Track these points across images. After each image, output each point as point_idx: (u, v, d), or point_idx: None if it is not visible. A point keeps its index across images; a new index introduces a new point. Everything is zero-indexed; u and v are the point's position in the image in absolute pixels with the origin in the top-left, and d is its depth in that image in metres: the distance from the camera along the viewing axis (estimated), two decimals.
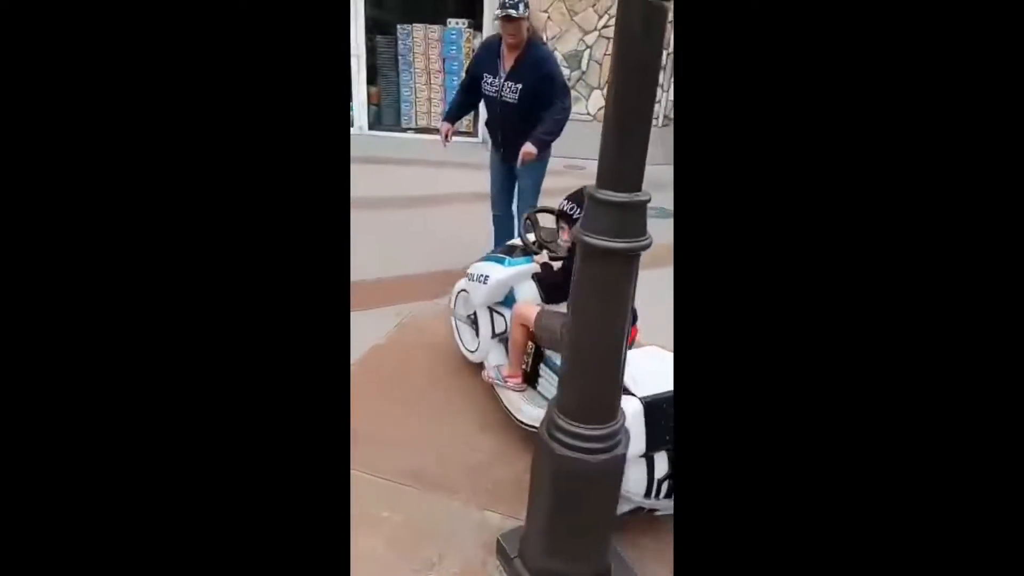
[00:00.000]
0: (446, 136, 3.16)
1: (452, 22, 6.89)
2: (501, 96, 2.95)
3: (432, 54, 7.07)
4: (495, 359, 2.40)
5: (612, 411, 1.42)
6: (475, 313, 2.49)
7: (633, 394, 1.65)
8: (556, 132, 2.85)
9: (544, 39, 3.10)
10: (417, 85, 7.19)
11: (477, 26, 6.74)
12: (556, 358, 2.04)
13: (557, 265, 2.23)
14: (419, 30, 6.97)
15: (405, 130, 7.19)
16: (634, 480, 1.65)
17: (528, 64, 2.84)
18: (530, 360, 2.23)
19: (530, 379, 2.24)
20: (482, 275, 2.39)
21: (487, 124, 3.21)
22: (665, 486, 1.70)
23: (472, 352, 2.56)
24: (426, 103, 7.27)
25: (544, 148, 2.87)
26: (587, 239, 1.23)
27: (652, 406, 1.64)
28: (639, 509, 1.77)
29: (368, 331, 2.91)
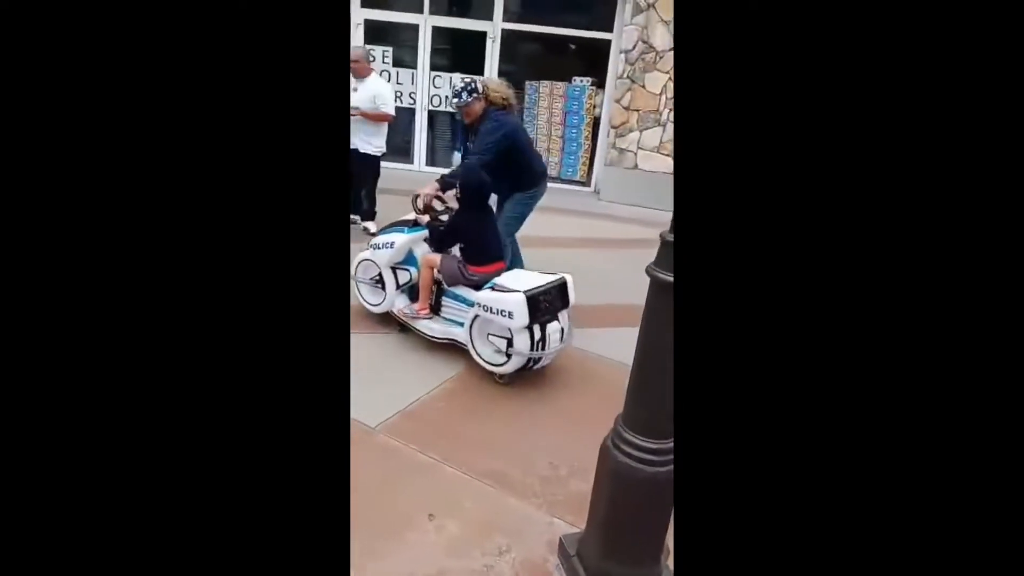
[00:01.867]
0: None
1: (577, 80, 7.37)
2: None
3: (555, 108, 7.57)
4: (400, 303, 3.34)
5: (671, 429, 1.60)
6: (379, 274, 3.34)
7: (516, 290, 2.81)
8: (455, 174, 3.32)
9: (508, 106, 3.60)
10: (538, 136, 7.69)
11: (600, 84, 7.16)
12: (455, 291, 3.15)
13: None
14: (546, 86, 7.51)
15: None
16: (522, 342, 2.81)
17: (480, 134, 3.50)
18: (434, 295, 3.22)
19: (435, 309, 3.24)
20: (388, 242, 3.27)
21: None
22: (538, 344, 2.83)
23: (376, 305, 3.42)
24: (544, 153, 7.74)
25: (439, 183, 3.36)
26: (658, 275, 1.46)
27: (530, 297, 2.78)
28: (527, 363, 2.88)
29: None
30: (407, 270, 3.35)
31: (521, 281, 2.91)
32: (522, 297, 2.75)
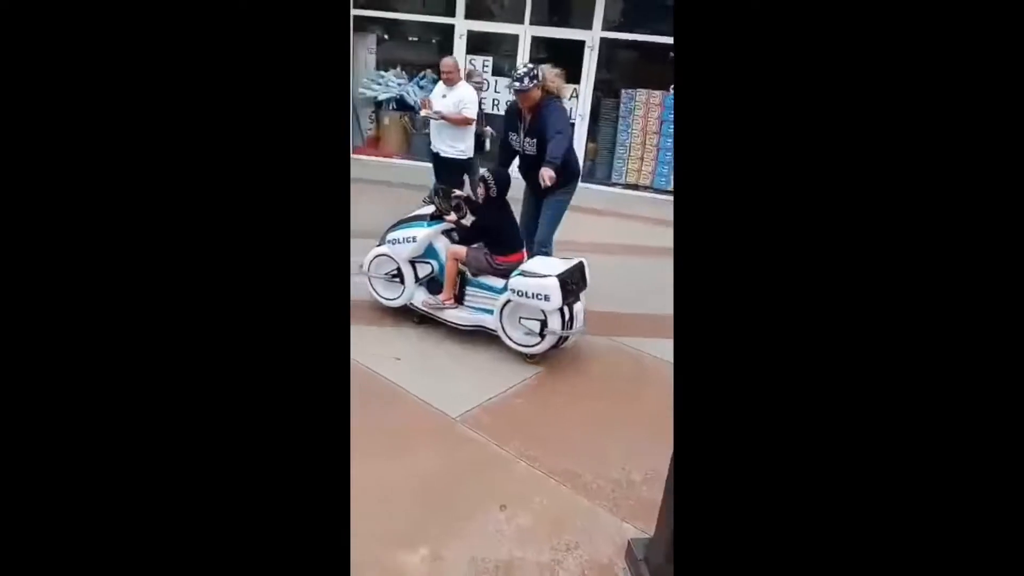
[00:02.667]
0: (543, 178, 3.85)
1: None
2: (523, 150, 3.59)
3: (651, 116, 7.49)
4: (421, 297, 3.47)
5: None
6: (397, 269, 3.45)
7: (549, 274, 3.03)
8: (558, 155, 3.33)
9: (563, 94, 3.58)
10: (632, 144, 7.64)
11: None
12: (479, 280, 3.35)
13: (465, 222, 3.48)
14: (642, 95, 7.45)
15: (614, 184, 7.67)
16: (555, 322, 3.07)
17: (540, 122, 3.47)
18: (457, 285, 3.39)
19: (458, 299, 3.41)
20: (409, 236, 3.40)
21: (519, 170, 3.76)
22: (568, 324, 3.10)
23: (393, 299, 3.52)
24: (638, 161, 7.67)
25: (553, 168, 3.30)
26: None
27: (561, 280, 3.01)
28: (559, 340, 3.14)
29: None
30: (428, 263, 3.46)
31: (548, 266, 3.13)
32: (556, 281, 2.99)
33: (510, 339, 3.19)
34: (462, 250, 3.37)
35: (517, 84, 3.43)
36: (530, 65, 3.55)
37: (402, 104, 7.72)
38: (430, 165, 5.00)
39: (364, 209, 4.37)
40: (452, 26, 7.29)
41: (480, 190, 3.34)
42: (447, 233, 3.50)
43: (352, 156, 6.08)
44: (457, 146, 4.87)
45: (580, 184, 3.81)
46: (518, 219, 3.79)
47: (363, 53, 7.72)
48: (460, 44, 7.26)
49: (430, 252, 3.45)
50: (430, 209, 3.51)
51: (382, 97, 7.70)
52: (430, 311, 3.42)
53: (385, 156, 7.74)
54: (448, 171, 4.96)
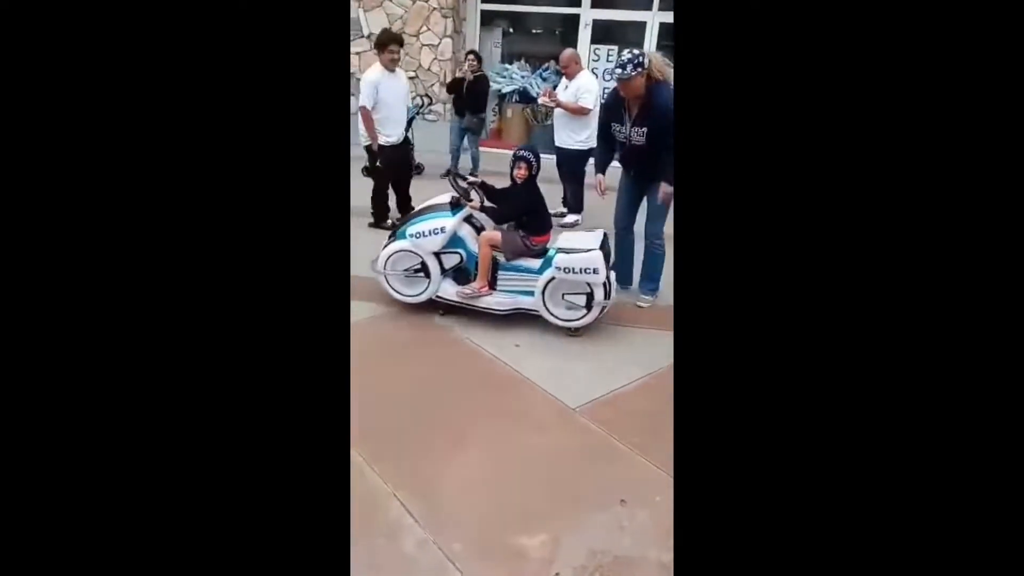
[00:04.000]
0: (600, 186, 3.67)
1: None
2: (630, 140, 3.41)
3: None
4: (448, 288, 3.40)
5: None
6: (421, 263, 3.35)
7: (591, 248, 3.15)
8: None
9: (667, 79, 3.26)
10: None
11: None
12: (514, 264, 3.34)
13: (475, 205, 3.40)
14: None
15: None
16: (600, 293, 3.19)
17: (652, 110, 3.29)
18: (490, 271, 3.36)
19: (491, 284, 3.37)
20: (436, 228, 3.29)
21: (620, 160, 3.63)
22: (609, 292, 3.24)
23: (417, 295, 3.42)
24: None
25: (671, 185, 3.26)
26: None
27: (604, 252, 3.19)
28: (600, 310, 3.24)
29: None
30: (456, 252, 3.37)
31: (584, 241, 3.25)
32: (599, 253, 3.12)
33: (554, 316, 3.25)
34: (496, 235, 3.32)
35: (619, 72, 3.22)
36: (635, 51, 3.32)
37: (525, 96, 7.80)
38: (552, 157, 5.02)
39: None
40: (575, 17, 7.23)
41: (520, 171, 3.27)
42: (468, 220, 3.43)
43: (480, 148, 6.25)
44: (576, 137, 4.85)
45: None
46: (614, 209, 3.73)
47: (489, 47, 7.89)
48: (585, 34, 7.20)
49: (455, 241, 3.36)
50: (445, 198, 3.42)
51: (506, 90, 7.83)
52: (464, 301, 3.35)
53: (507, 148, 7.87)
54: (569, 162, 4.95)
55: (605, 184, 3.69)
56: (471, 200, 3.35)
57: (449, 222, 3.30)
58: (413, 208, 4.05)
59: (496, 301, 3.34)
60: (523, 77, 7.83)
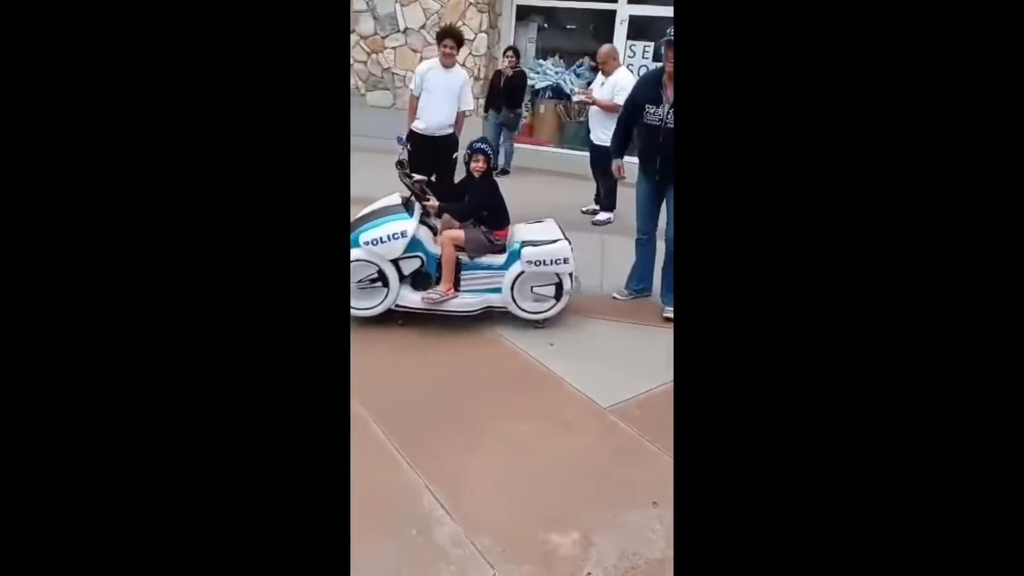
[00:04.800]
0: (619, 171, 3.59)
1: None
2: (664, 123, 3.16)
3: None
4: (409, 295, 3.15)
5: None
6: (378, 271, 3.06)
7: (557, 239, 3.19)
8: None
9: None
10: None
11: None
12: (476, 262, 3.19)
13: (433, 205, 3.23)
14: None
15: None
16: (568, 282, 3.23)
17: None
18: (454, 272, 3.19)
19: (456, 285, 3.19)
20: (395, 232, 3.01)
21: (641, 155, 3.42)
22: (575, 280, 3.32)
23: (373, 307, 3.12)
24: None
25: None
26: None
27: (568, 240, 3.23)
28: (567, 299, 3.25)
29: None
30: (416, 256, 3.12)
31: (542, 232, 3.27)
32: (567, 243, 3.17)
33: (523, 310, 3.22)
34: (459, 233, 3.14)
35: (672, 36, 2.99)
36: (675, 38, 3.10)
37: (558, 92, 7.77)
38: (585, 153, 5.00)
39: (537, 196, 4.52)
40: (611, 12, 7.17)
41: (478, 164, 3.17)
42: (423, 221, 3.19)
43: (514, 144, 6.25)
44: (609, 133, 4.82)
45: None
46: (635, 203, 3.59)
47: (524, 42, 7.87)
48: (621, 31, 7.13)
49: (414, 245, 3.09)
50: (395, 199, 3.23)
51: (540, 85, 7.81)
52: (430, 307, 3.12)
53: (539, 144, 7.86)
54: (604, 159, 4.93)
55: (625, 169, 3.59)
56: (427, 200, 3.15)
57: (410, 225, 3.04)
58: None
59: (464, 303, 3.17)
60: (557, 73, 7.79)
